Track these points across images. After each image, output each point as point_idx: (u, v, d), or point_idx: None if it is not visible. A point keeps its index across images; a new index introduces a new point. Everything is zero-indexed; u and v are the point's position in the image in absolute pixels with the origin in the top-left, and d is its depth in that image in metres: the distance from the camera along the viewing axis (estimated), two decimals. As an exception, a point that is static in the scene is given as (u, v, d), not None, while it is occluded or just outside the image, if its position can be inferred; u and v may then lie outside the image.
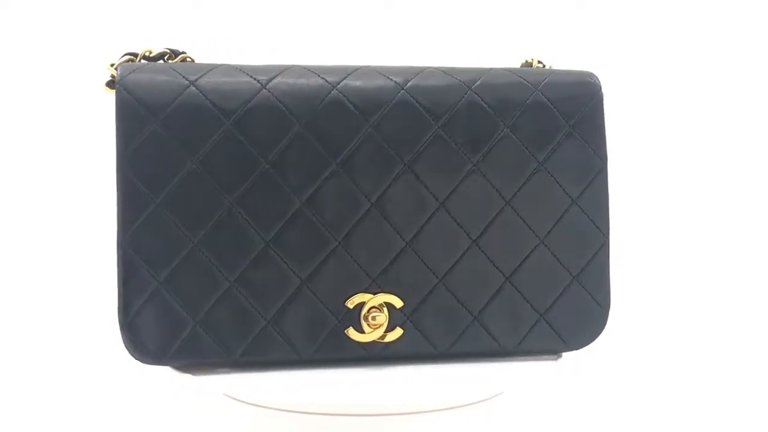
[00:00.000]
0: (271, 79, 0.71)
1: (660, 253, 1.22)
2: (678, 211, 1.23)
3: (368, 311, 0.71)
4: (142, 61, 0.75)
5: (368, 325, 0.71)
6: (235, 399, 0.68)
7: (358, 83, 0.71)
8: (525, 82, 0.75)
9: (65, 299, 1.25)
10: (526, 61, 0.81)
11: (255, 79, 0.70)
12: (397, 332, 0.72)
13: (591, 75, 0.77)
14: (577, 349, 0.77)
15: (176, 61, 0.75)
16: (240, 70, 0.72)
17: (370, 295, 0.71)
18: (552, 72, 0.77)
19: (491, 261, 0.73)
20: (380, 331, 0.71)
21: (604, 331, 0.77)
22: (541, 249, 0.74)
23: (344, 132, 0.70)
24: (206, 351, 0.70)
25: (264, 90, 0.70)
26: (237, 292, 0.70)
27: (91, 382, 1.13)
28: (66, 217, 1.30)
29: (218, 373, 0.72)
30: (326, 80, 0.71)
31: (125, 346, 0.70)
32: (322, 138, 0.70)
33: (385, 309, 0.71)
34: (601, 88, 0.76)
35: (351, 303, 0.71)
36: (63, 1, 1.29)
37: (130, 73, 0.71)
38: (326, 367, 0.71)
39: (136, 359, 0.70)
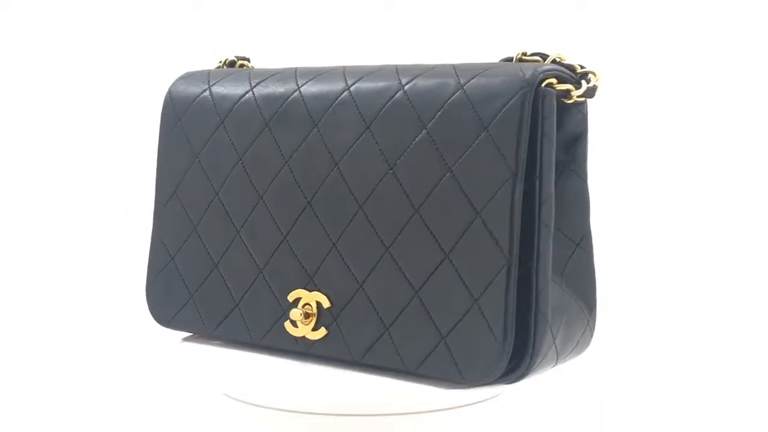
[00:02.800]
0: (259, 83, 0.77)
1: (660, 254, 1.22)
2: (679, 212, 1.23)
3: (302, 307, 0.72)
4: (225, 67, 0.86)
5: (300, 320, 0.72)
6: (235, 399, 0.68)
7: (313, 88, 0.73)
8: (453, 79, 0.67)
9: (65, 299, 1.25)
10: (520, 54, 0.72)
11: (250, 83, 0.78)
12: (322, 332, 0.71)
13: (533, 72, 0.65)
14: (473, 382, 0.65)
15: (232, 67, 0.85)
16: (248, 75, 0.79)
17: (306, 292, 0.72)
18: (492, 67, 0.68)
19: (402, 272, 0.67)
20: (308, 329, 0.71)
21: (499, 370, 0.64)
22: (446, 264, 0.66)
23: (295, 132, 0.73)
24: (194, 323, 0.79)
25: (249, 93, 0.77)
26: (219, 273, 0.78)
27: (91, 382, 1.13)
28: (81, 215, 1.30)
29: (218, 373, 0.72)
30: (296, 86, 0.75)
31: (148, 308, 0.83)
32: (278, 139, 0.74)
33: (314, 307, 0.71)
34: (535, 87, 0.64)
35: (291, 297, 0.73)
36: (63, 2, 1.29)
37: (178, 79, 0.83)
38: (326, 366, 0.71)
39: (154, 320, 0.82)
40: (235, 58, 0.85)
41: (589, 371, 1.08)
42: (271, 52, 0.90)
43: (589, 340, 0.73)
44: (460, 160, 0.65)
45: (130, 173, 1.28)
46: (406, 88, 0.69)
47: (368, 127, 0.70)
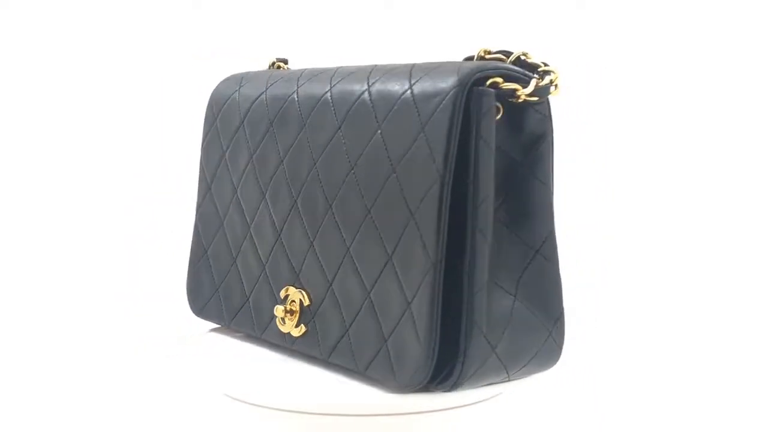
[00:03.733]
0: (272, 84, 0.79)
1: (660, 255, 1.23)
2: (679, 212, 1.23)
3: (289, 304, 0.72)
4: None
5: (281, 317, 0.73)
6: (235, 399, 0.68)
7: (307, 89, 0.74)
8: (407, 79, 0.66)
9: (65, 299, 1.25)
10: (481, 52, 0.69)
11: (267, 84, 0.80)
12: (302, 329, 0.72)
13: (469, 71, 0.62)
14: (406, 387, 0.64)
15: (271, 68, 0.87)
16: (269, 76, 0.81)
17: (294, 289, 0.73)
18: (442, 66, 0.65)
19: (359, 273, 0.67)
20: (292, 325, 0.72)
21: (424, 375, 0.62)
22: (389, 266, 0.65)
23: (289, 133, 0.74)
24: (218, 315, 0.82)
25: (263, 94, 0.79)
26: (236, 268, 0.80)
27: (91, 381, 1.13)
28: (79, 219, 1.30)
29: (218, 373, 0.72)
30: (296, 86, 0.76)
31: (186, 297, 0.86)
32: (278, 138, 0.76)
33: (298, 304, 0.72)
34: (468, 86, 0.61)
35: (282, 294, 0.74)
36: (63, 2, 1.29)
37: (221, 81, 0.85)
38: (326, 366, 0.71)
39: (190, 309, 0.85)
40: (276, 60, 0.87)
41: (588, 371, 1.09)
42: (271, 52, 0.90)
43: (556, 352, 0.67)
44: (402, 160, 0.64)
45: (132, 173, 1.28)
46: (371, 88, 0.68)
47: (339, 128, 0.70)
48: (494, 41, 0.71)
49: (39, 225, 1.29)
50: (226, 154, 0.81)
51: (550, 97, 0.65)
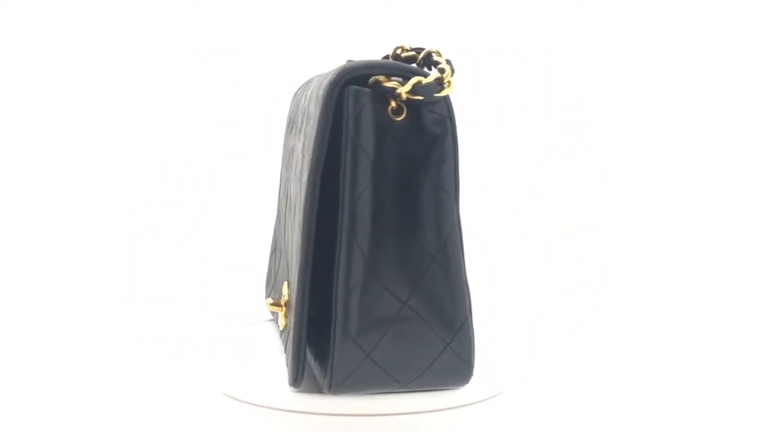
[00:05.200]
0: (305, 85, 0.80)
1: (660, 255, 1.23)
2: (679, 212, 1.23)
3: (281, 298, 0.73)
4: None
5: (271, 309, 0.73)
6: (235, 399, 0.68)
7: (307, 91, 0.73)
8: (320, 79, 0.66)
9: (65, 299, 1.25)
10: (396, 50, 0.68)
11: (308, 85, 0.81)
12: (284, 322, 0.72)
13: (341, 70, 0.62)
14: (293, 385, 0.66)
15: None
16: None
17: (287, 283, 0.73)
18: (339, 65, 0.65)
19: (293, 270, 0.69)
20: (282, 316, 0.72)
21: (295, 376, 0.64)
22: (286, 263, 0.69)
23: (291, 134, 0.76)
24: None
25: (297, 95, 0.80)
26: (274, 263, 0.83)
27: (91, 381, 1.13)
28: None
29: (218, 373, 0.72)
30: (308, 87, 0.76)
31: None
32: (287, 140, 0.78)
33: (284, 299, 0.72)
34: (340, 86, 0.61)
35: (283, 288, 0.74)
36: (62, 2, 1.29)
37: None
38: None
39: None
40: None
41: (588, 372, 1.09)
42: (271, 52, 0.90)
43: (461, 366, 0.64)
44: (302, 162, 0.65)
45: (132, 173, 1.28)
46: (309, 89, 0.69)
47: (299, 131, 0.71)
48: (495, 41, 0.71)
49: (39, 225, 1.29)
50: (283, 152, 0.84)
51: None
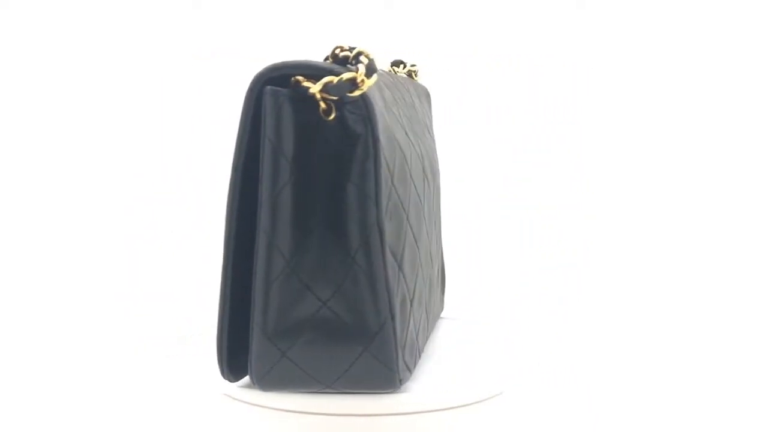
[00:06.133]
0: None
1: (660, 255, 1.23)
2: (679, 211, 1.23)
3: None
4: None
5: None
6: (235, 399, 0.68)
7: None
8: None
9: (65, 299, 1.25)
10: (333, 50, 0.66)
11: None
12: None
13: (261, 71, 0.62)
14: (229, 379, 0.68)
15: None
16: None
17: None
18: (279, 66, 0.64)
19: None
20: None
21: (221, 372, 0.67)
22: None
23: None
24: None
25: None
26: None
27: (91, 381, 1.13)
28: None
29: (218, 373, 0.72)
30: None
31: None
32: None
33: None
34: (258, 87, 0.62)
35: None
36: (62, 2, 1.30)
37: None
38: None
39: None
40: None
41: (587, 372, 1.09)
42: (271, 53, 0.90)
43: (383, 372, 0.63)
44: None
45: (132, 173, 1.28)
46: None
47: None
48: (493, 41, 0.71)
49: (39, 225, 1.29)
50: None
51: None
